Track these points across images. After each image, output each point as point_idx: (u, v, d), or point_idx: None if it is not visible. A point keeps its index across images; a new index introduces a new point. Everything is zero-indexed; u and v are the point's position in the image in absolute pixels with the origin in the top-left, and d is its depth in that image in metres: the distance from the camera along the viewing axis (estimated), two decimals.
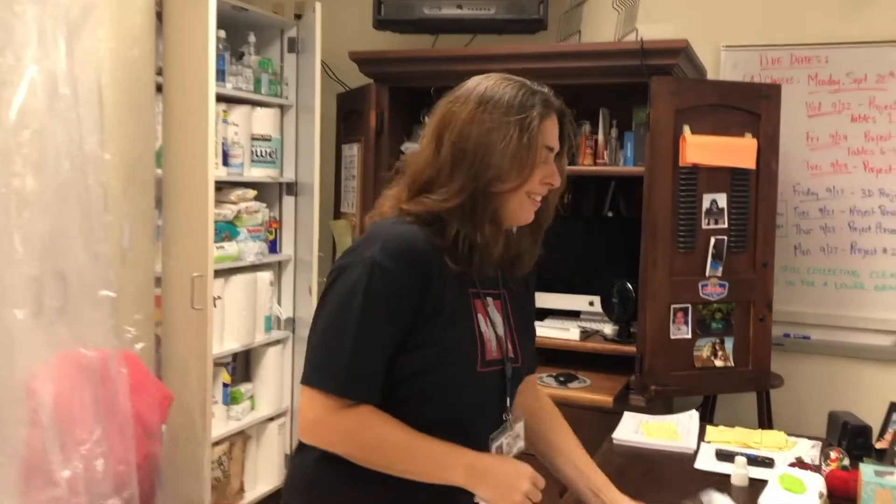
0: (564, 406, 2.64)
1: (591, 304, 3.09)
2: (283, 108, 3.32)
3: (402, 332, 1.24)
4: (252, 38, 3.18)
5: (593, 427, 2.63)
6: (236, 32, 3.15)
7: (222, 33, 3.01)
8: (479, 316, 1.33)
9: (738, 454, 1.95)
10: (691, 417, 2.29)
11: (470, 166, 1.27)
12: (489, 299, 1.37)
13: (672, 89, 2.61)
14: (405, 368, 1.26)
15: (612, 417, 2.46)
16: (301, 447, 1.35)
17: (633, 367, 2.72)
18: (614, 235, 3.12)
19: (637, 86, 2.72)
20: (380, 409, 1.26)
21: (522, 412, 1.47)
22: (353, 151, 3.24)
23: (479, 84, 1.34)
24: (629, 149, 2.90)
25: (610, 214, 3.16)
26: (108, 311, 2.06)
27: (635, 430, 2.22)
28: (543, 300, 3.17)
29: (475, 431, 1.33)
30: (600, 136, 2.97)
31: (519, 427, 1.41)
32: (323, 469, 1.31)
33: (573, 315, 3.15)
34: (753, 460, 1.95)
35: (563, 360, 2.93)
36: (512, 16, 2.99)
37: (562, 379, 2.74)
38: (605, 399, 2.62)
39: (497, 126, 1.27)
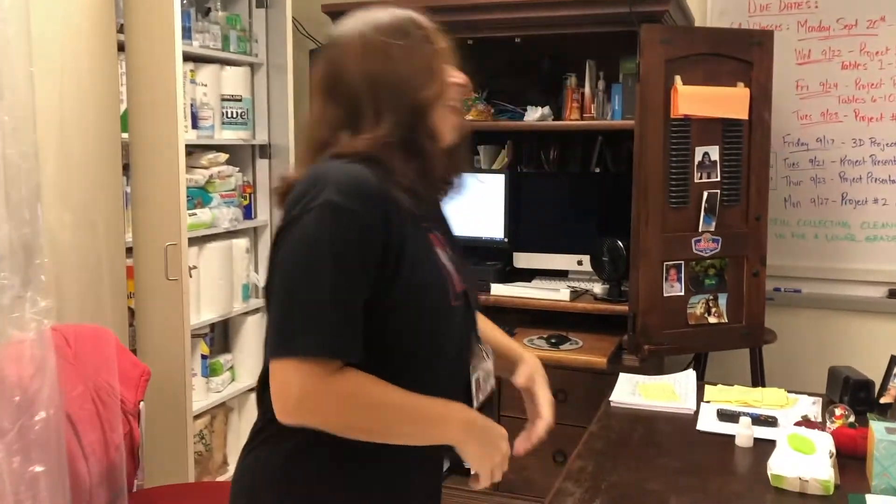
0: (557, 369, 2.62)
1: (580, 263, 3.01)
2: (253, 67, 3.17)
3: (375, 277, 1.12)
4: None
5: (588, 389, 2.59)
6: None
7: None
8: (438, 250, 1.25)
9: (741, 414, 1.90)
10: (688, 377, 2.24)
11: (386, 95, 1.20)
12: (437, 233, 1.30)
13: (662, 38, 2.51)
14: (384, 315, 1.15)
15: (606, 379, 2.40)
16: (261, 443, 1.22)
17: (626, 327, 2.65)
18: (602, 192, 3.04)
19: (623, 35, 2.61)
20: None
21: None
22: None
23: (351, 25, 1.26)
24: (617, 101, 2.80)
25: (597, 170, 3.07)
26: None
27: (632, 391, 2.16)
28: (530, 260, 3.09)
29: (460, 370, 1.28)
30: (587, 89, 2.87)
31: (490, 363, 1.36)
32: (300, 466, 1.19)
33: (561, 275, 3.08)
34: (756, 419, 1.90)
35: (554, 321, 2.86)
36: None
37: (553, 341, 2.67)
38: (599, 360, 2.55)
39: (390, 46, 1.21)
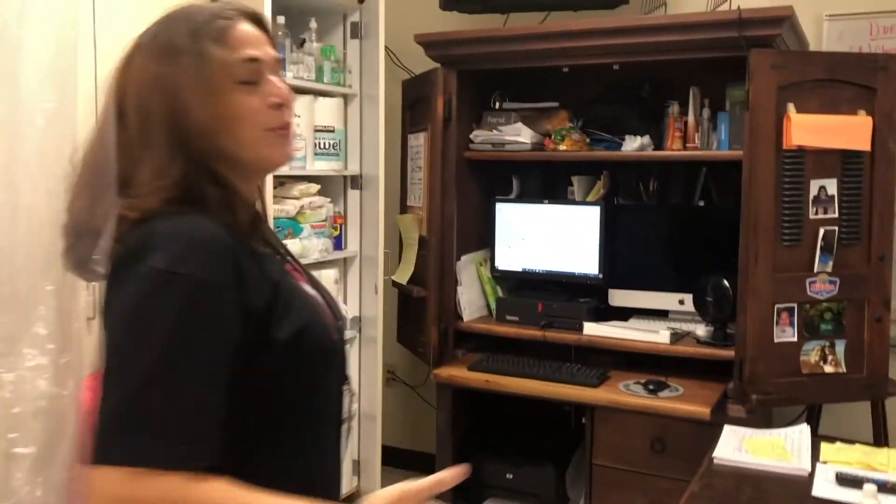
0: (655, 417, 2.44)
1: (682, 302, 2.82)
2: (346, 98, 3.16)
3: (233, 348, 0.93)
4: (313, 24, 3.01)
5: (689, 442, 2.39)
6: (298, 18, 3.00)
7: (282, 19, 2.86)
8: (302, 283, 1.10)
9: (865, 479, 1.69)
10: (801, 432, 2.03)
11: (160, 124, 0.99)
12: (290, 260, 1.15)
13: (774, 63, 2.33)
14: (262, 381, 0.97)
15: (709, 429, 2.22)
16: None
17: (731, 374, 2.45)
18: (706, 226, 2.85)
19: (731, 60, 2.44)
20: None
21: None
22: (419, 141, 3.05)
23: (150, 28, 1.06)
24: (723, 131, 2.62)
25: (701, 203, 2.88)
26: None
27: (738, 447, 1.97)
28: (627, 298, 2.93)
29: (334, 407, 1.12)
30: (690, 118, 2.70)
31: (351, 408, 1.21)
32: None
33: (661, 315, 2.90)
34: (883, 487, 1.69)
35: (651, 365, 2.69)
36: None
37: (651, 387, 2.50)
38: (701, 410, 2.36)
39: (171, 63, 1.00)
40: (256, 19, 1.07)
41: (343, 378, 1.14)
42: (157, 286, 0.90)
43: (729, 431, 2.08)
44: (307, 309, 1.04)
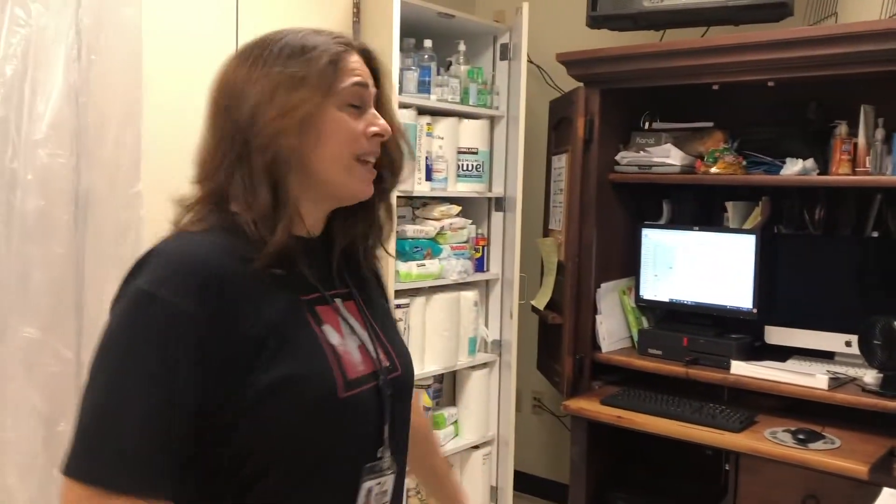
0: (803, 470, 2.19)
1: (848, 344, 2.52)
2: (493, 119, 3.14)
3: (205, 384, 0.90)
4: (462, 47, 3.02)
5: (842, 500, 2.13)
6: (447, 42, 3.03)
7: (429, 43, 2.90)
8: (326, 326, 1.01)
9: None
10: None
11: (226, 117, 0.99)
12: (338, 302, 1.06)
13: None
14: (230, 432, 0.92)
15: (867, 490, 1.96)
16: None
17: None
18: (880, 260, 2.53)
19: None
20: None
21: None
22: (561, 163, 2.96)
23: (255, 39, 1.05)
24: None
25: (875, 234, 2.57)
26: None
27: None
28: (786, 336, 2.67)
29: (345, 475, 1.00)
30: (861, 139, 2.41)
31: (390, 480, 1.05)
32: None
33: (825, 356, 2.60)
34: None
35: (807, 412, 2.42)
36: (749, 1, 2.53)
37: (801, 437, 2.24)
38: (859, 468, 2.08)
39: (265, 66, 0.99)
40: (367, 55, 1.08)
41: (367, 437, 1.02)
42: (136, 304, 0.91)
43: (889, 495, 1.81)
44: (306, 359, 0.97)
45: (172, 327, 0.89)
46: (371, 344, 1.06)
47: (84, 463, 0.87)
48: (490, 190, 3.12)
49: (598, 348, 2.84)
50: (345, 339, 1.03)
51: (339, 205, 1.07)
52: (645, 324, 2.94)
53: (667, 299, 2.85)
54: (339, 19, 2.62)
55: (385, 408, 1.04)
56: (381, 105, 1.07)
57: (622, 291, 2.95)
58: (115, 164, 1.95)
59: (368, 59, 1.08)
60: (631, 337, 2.94)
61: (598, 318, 2.84)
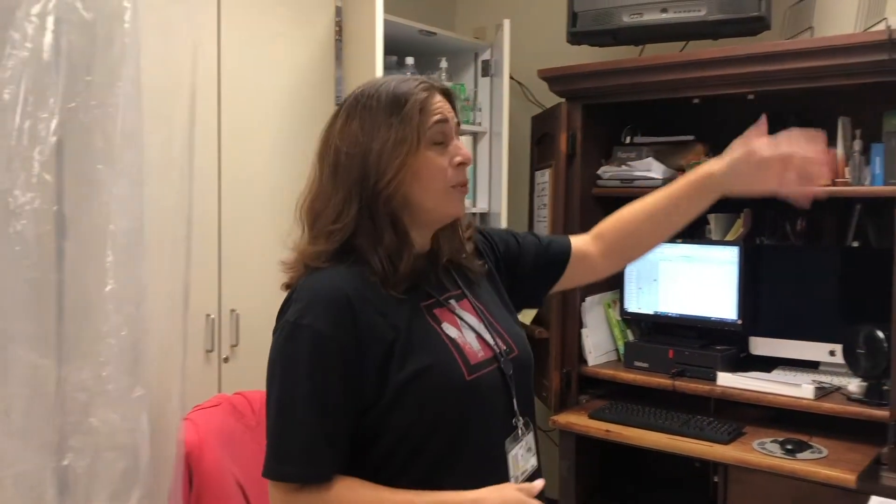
0: (793, 480, 2.19)
1: (833, 353, 2.54)
2: (476, 136, 3.15)
3: (356, 387, 1.13)
4: (444, 64, 3.04)
5: None
6: (430, 59, 3.04)
7: (411, 60, 2.91)
8: (445, 325, 1.21)
9: None
10: None
11: (349, 172, 1.18)
12: (453, 302, 1.26)
13: None
14: (383, 416, 1.14)
15: (854, 500, 1.97)
16: None
17: (886, 437, 2.16)
18: (861, 270, 2.56)
19: (886, 85, 2.20)
20: (352, 477, 1.15)
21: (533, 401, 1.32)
22: (545, 178, 2.98)
23: (352, 94, 1.25)
24: (877, 164, 2.35)
25: (855, 244, 2.60)
26: None
27: None
28: (771, 347, 2.68)
29: (489, 446, 1.21)
30: (839, 150, 2.45)
31: (530, 438, 1.28)
32: None
33: (811, 366, 2.62)
34: None
35: (793, 422, 2.43)
36: (727, 15, 2.56)
37: (789, 447, 2.25)
38: (847, 477, 2.09)
39: (372, 122, 1.18)
40: (445, 92, 1.26)
41: (499, 411, 1.21)
42: (287, 335, 1.14)
43: (877, 503, 1.82)
44: (432, 352, 1.16)
45: (317, 348, 1.12)
46: (488, 332, 1.26)
47: (271, 465, 1.14)
48: (475, 205, 3.12)
49: (585, 362, 2.84)
50: (462, 332, 1.22)
51: (440, 226, 1.26)
52: (630, 337, 2.95)
53: (652, 312, 2.86)
54: (321, 38, 2.63)
55: (510, 384, 1.23)
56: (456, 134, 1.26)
57: (607, 304, 2.96)
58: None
59: (448, 95, 1.26)
60: (617, 350, 2.94)
61: (584, 331, 2.84)
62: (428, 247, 1.27)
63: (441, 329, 1.20)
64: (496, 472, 1.20)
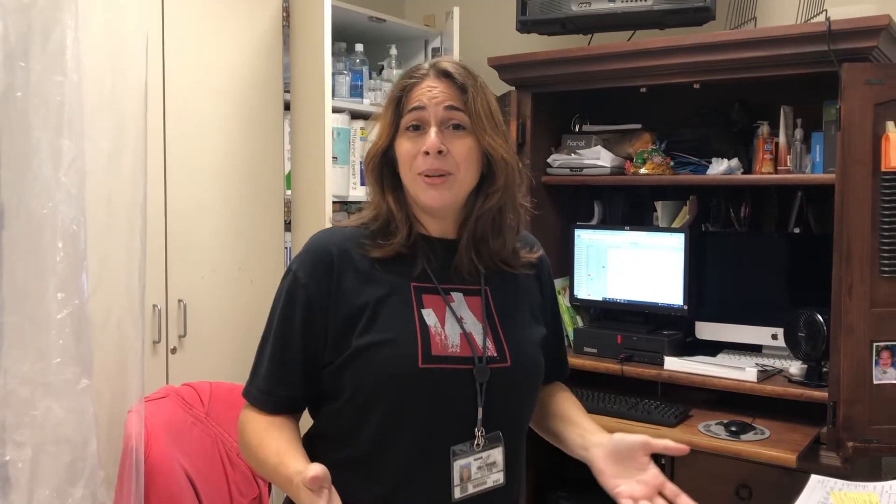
0: (737, 460, 2.25)
1: (775, 337, 2.61)
2: None
3: (315, 338, 1.21)
4: (394, 51, 3.03)
5: (770, 490, 2.20)
6: (379, 46, 3.02)
7: (360, 47, 2.89)
8: (427, 311, 1.21)
9: None
10: None
11: (372, 159, 1.28)
12: (455, 294, 1.25)
13: (869, 78, 2.12)
14: (338, 371, 1.20)
15: (795, 479, 2.01)
16: None
17: (825, 418, 2.23)
18: (802, 256, 2.63)
19: (827, 77, 2.25)
20: (288, 418, 1.24)
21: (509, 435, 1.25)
22: None
23: None
24: (818, 152, 2.42)
25: (797, 231, 2.67)
26: None
27: (823, 499, 1.77)
28: (715, 332, 2.74)
29: (431, 442, 1.18)
30: (781, 139, 2.51)
31: (496, 453, 1.22)
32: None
33: (754, 350, 2.69)
34: None
35: (738, 404, 2.49)
36: (673, 5, 2.60)
37: (733, 429, 2.31)
38: (787, 456, 2.15)
39: (382, 110, 1.29)
40: (447, 74, 1.23)
41: (444, 413, 1.18)
42: (283, 276, 1.26)
43: (816, 482, 1.86)
44: (394, 328, 1.18)
45: (291, 293, 1.22)
46: (482, 335, 1.23)
47: (247, 384, 1.27)
48: None
49: None
50: (444, 323, 1.21)
51: (434, 212, 1.25)
52: (580, 323, 2.99)
53: (601, 298, 2.90)
54: (268, 24, 2.59)
55: (479, 391, 1.19)
56: (473, 117, 1.22)
57: (557, 291, 2.98)
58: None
59: (452, 79, 1.23)
60: (567, 336, 2.97)
61: None
62: (453, 235, 1.28)
63: (418, 312, 1.20)
64: (434, 472, 1.18)
